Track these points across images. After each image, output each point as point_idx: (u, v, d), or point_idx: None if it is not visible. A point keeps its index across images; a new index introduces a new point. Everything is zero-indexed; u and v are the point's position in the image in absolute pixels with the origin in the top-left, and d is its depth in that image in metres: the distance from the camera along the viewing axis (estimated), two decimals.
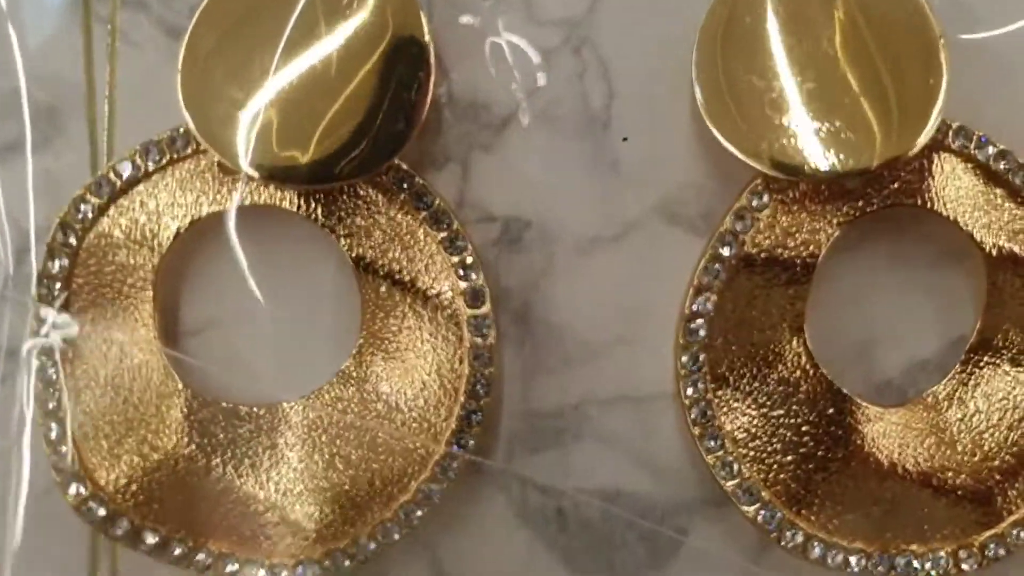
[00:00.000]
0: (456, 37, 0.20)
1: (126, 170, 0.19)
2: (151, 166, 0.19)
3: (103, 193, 0.19)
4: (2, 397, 0.20)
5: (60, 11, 0.20)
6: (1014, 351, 0.20)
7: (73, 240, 0.19)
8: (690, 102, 0.19)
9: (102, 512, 0.19)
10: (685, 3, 0.19)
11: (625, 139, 0.20)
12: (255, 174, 0.18)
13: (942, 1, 0.19)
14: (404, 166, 0.19)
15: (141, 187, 0.19)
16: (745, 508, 0.19)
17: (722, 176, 0.20)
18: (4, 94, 0.19)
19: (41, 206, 0.20)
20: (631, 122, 0.20)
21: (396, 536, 0.19)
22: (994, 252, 0.19)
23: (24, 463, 0.19)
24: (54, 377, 0.19)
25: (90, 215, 0.19)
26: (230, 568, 0.19)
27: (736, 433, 0.19)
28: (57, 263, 0.19)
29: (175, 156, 0.19)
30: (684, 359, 0.19)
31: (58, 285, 0.19)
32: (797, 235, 0.19)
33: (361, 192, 0.19)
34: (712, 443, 0.19)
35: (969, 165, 0.19)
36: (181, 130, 0.19)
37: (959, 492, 0.20)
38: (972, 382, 0.20)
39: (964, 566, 0.19)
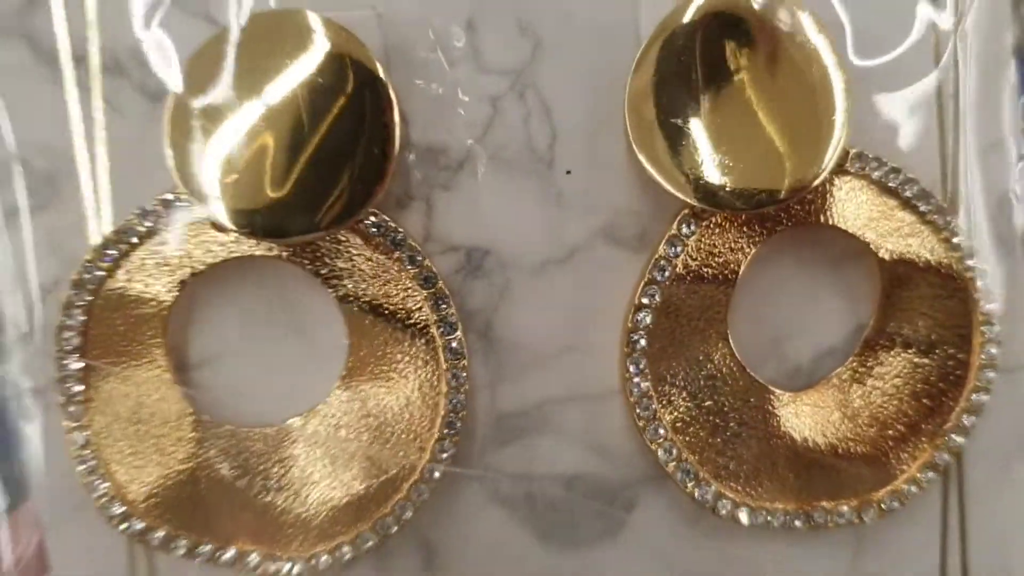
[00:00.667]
0: (414, 90, 0.21)
1: (129, 232, 0.20)
2: (150, 227, 0.20)
3: (110, 256, 0.20)
4: (31, 433, 0.21)
5: (43, 82, 0.20)
6: (905, 337, 0.22)
7: (86, 297, 0.20)
8: (624, 139, 0.21)
9: (138, 525, 0.20)
10: (618, 51, 0.21)
11: (568, 172, 0.21)
12: (238, 230, 0.19)
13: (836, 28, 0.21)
14: (378, 213, 0.20)
15: (144, 248, 0.20)
16: (683, 485, 0.21)
17: (654, 202, 0.21)
18: (2, 163, 0.21)
19: (46, 265, 0.21)
20: (573, 158, 0.21)
21: (393, 529, 0.21)
22: (887, 256, 0.21)
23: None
24: (80, 414, 0.20)
25: (102, 275, 0.20)
26: (253, 563, 0.20)
27: (674, 423, 0.21)
28: (76, 317, 0.20)
29: (169, 218, 0.20)
30: (629, 366, 0.21)
31: (76, 337, 0.20)
32: (720, 255, 0.21)
33: (342, 238, 0.20)
34: (654, 432, 0.21)
35: (865, 183, 0.21)
36: (173, 195, 0.20)
37: (860, 457, 0.22)
38: (870, 364, 0.22)
39: (865, 517, 0.22)
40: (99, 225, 0.20)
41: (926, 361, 0.22)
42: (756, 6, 0.20)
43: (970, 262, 0.21)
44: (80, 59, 0.20)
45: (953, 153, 0.22)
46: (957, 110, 0.22)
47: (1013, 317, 0.22)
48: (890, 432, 0.22)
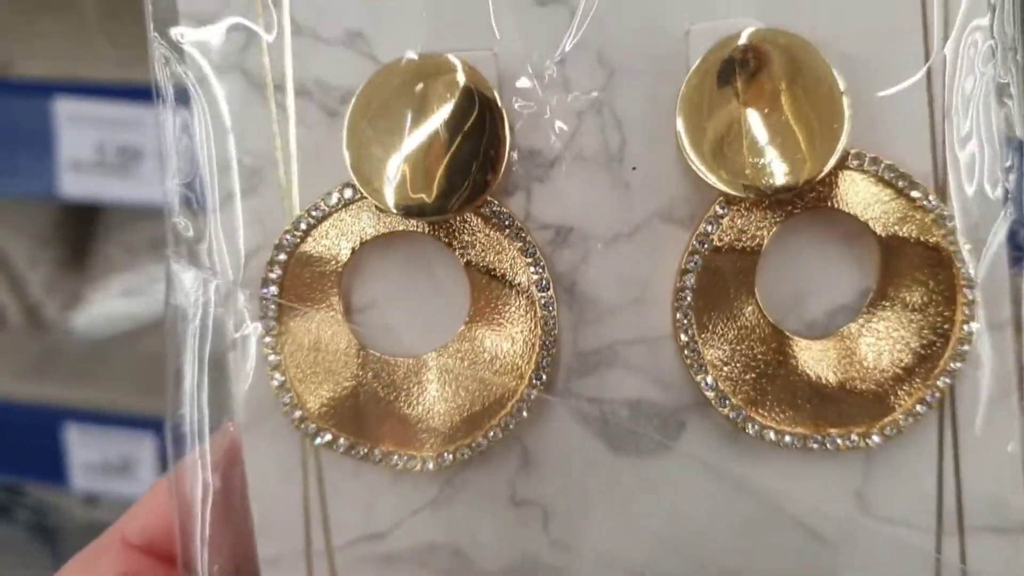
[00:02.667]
0: (519, 108, 0.25)
1: (317, 210, 0.25)
2: (333, 207, 0.25)
3: (303, 225, 0.25)
4: (237, 359, 0.26)
5: (254, 104, 0.25)
6: (902, 298, 0.25)
7: (283, 256, 0.25)
8: (677, 143, 0.24)
9: (312, 427, 0.25)
10: (672, 75, 0.24)
11: (634, 168, 0.25)
12: (397, 211, 0.24)
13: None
14: (492, 200, 0.25)
15: (328, 222, 0.25)
16: (721, 410, 0.25)
17: (697, 191, 0.25)
18: (223, 161, 0.26)
19: (250, 235, 0.26)
20: (637, 157, 0.25)
21: (500, 436, 0.25)
22: (883, 233, 0.25)
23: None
24: (275, 343, 0.25)
25: (296, 240, 0.25)
26: (395, 460, 0.25)
27: (714, 361, 0.25)
28: (276, 271, 0.25)
29: (347, 201, 0.25)
30: (678, 316, 0.25)
31: (274, 288, 0.25)
32: (748, 231, 0.25)
33: (467, 219, 0.25)
34: (698, 368, 0.25)
35: (864, 176, 0.24)
36: (345, 186, 0.25)
37: (865, 393, 0.25)
38: (874, 320, 0.25)
39: (869, 441, 0.25)
40: (291, 207, 0.25)
41: (919, 317, 0.25)
42: (780, 45, 0.24)
43: (952, 238, 0.25)
44: (279, 87, 0.25)
45: (942, 150, 0.25)
46: (946, 116, 0.25)
47: (992, 283, 0.25)
48: (890, 374, 0.25)
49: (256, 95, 0.25)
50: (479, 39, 0.25)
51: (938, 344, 0.25)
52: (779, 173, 0.24)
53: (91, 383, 0.71)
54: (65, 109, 0.54)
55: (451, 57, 0.24)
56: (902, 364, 0.25)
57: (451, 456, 0.25)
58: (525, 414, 0.25)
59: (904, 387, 0.25)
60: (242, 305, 0.26)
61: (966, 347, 0.25)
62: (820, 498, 0.26)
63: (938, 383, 0.25)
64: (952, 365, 0.25)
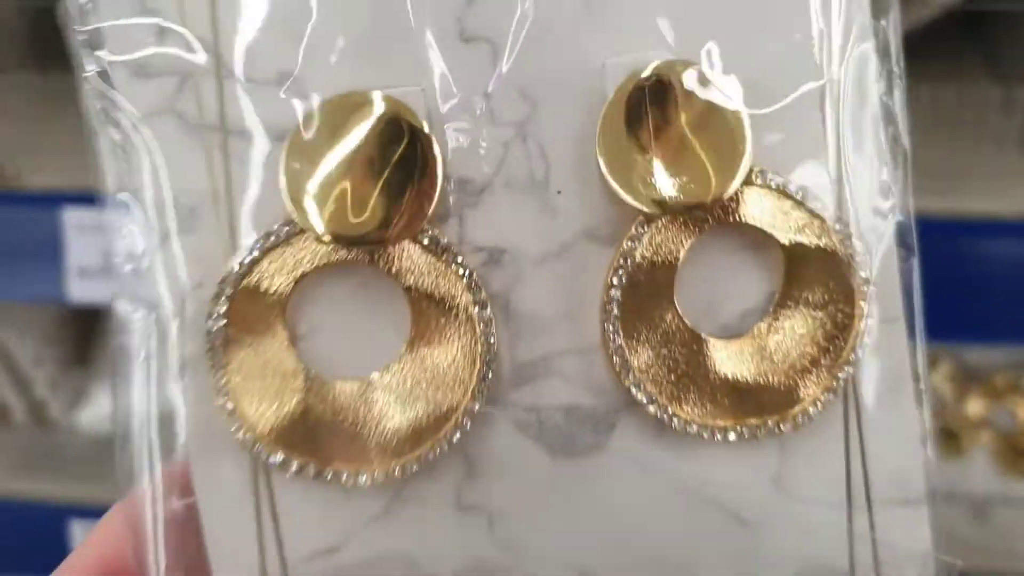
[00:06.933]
0: (449, 141, 0.26)
1: (259, 245, 0.26)
2: (272, 243, 0.26)
3: (246, 259, 0.26)
4: (185, 386, 0.27)
5: (190, 146, 0.26)
6: (805, 298, 0.27)
7: (229, 290, 0.26)
8: (597, 168, 0.26)
9: (263, 450, 0.26)
10: (591, 106, 0.26)
11: (559, 192, 0.27)
12: (335, 242, 0.25)
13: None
14: (427, 227, 0.26)
15: (270, 255, 0.26)
16: (648, 408, 0.27)
17: (619, 211, 0.26)
18: (160, 201, 0.26)
19: (193, 271, 0.26)
20: (562, 182, 0.27)
21: (446, 448, 0.26)
22: (787, 242, 0.27)
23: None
24: (222, 373, 0.26)
25: (241, 273, 0.26)
26: (345, 477, 0.26)
27: (640, 366, 0.27)
28: (222, 304, 0.26)
29: (287, 235, 0.26)
30: (606, 326, 0.26)
31: (222, 321, 0.26)
32: (665, 246, 0.26)
33: (404, 246, 0.26)
34: (626, 373, 0.27)
35: (767, 191, 0.26)
36: (286, 221, 0.25)
37: (777, 386, 0.27)
38: (781, 319, 0.27)
39: (783, 428, 0.27)
40: (232, 243, 0.26)
41: (821, 315, 0.27)
42: (681, 76, 0.26)
43: (849, 243, 0.27)
44: (215, 128, 0.26)
45: (836, 164, 0.27)
46: (840, 134, 0.27)
47: (885, 281, 0.28)
48: (798, 367, 0.27)
49: (191, 137, 0.26)
50: (407, 77, 0.26)
51: (839, 338, 0.27)
52: (690, 192, 0.26)
53: (96, 480, 0.72)
54: (72, 219, 0.58)
55: (377, 92, 0.26)
56: (808, 357, 0.27)
57: (399, 470, 0.26)
58: (468, 427, 0.27)
59: (811, 377, 0.27)
60: (187, 338, 0.26)
61: (865, 339, 0.28)
62: (741, 484, 0.28)
63: (840, 373, 0.27)
64: (853, 356, 0.27)
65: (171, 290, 0.26)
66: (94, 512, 0.69)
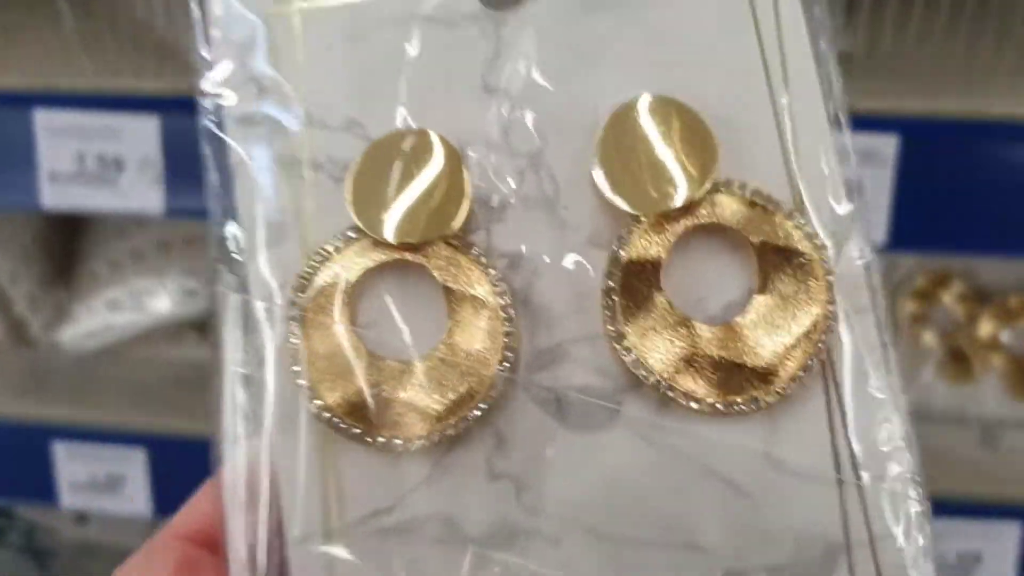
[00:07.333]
0: (476, 168, 0.33)
1: (327, 251, 0.31)
2: (340, 246, 0.31)
3: (319, 259, 0.31)
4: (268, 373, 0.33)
5: (279, 176, 0.33)
6: (779, 291, 0.30)
7: (304, 286, 0.31)
8: (595, 186, 0.31)
9: (333, 418, 0.30)
10: (588, 141, 0.31)
11: (566, 208, 0.31)
12: (394, 242, 0.31)
13: None
14: (461, 235, 0.31)
15: (336, 257, 0.31)
16: (648, 382, 0.30)
17: (614, 221, 0.31)
18: (254, 219, 0.32)
19: (277, 274, 0.32)
20: (568, 200, 0.32)
21: (472, 419, 0.31)
22: (756, 241, 0.30)
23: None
24: (298, 355, 0.32)
25: (312, 274, 0.31)
26: (395, 444, 0.30)
27: (638, 347, 0.30)
28: (299, 298, 0.31)
29: (351, 240, 0.31)
30: (607, 315, 0.31)
31: (298, 311, 0.31)
32: (651, 246, 0.31)
33: (444, 250, 0.31)
34: (628, 356, 0.30)
35: (736, 198, 0.31)
36: (349, 231, 0.31)
37: (758, 367, 0.31)
38: (757, 308, 0.31)
39: (768, 401, 0.30)
40: (308, 251, 0.32)
41: (793, 305, 0.30)
42: (661, 104, 0.32)
43: (816, 241, 0.31)
44: (299, 162, 0.33)
45: (795, 173, 0.32)
46: (794, 146, 0.32)
47: (850, 275, 0.32)
48: (775, 350, 0.30)
49: (281, 169, 0.33)
50: (446, 120, 0.32)
51: (810, 327, 0.31)
52: (670, 197, 0.31)
53: (78, 400, 0.70)
54: (44, 120, 0.55)
55: (420, 128, 0.33)
56: (784, 339, 0.31)
57: (438, 435, 0.31)
58: (497, 404, 0.31)
59: (788, 359, 0.31)
60: (274, 325, 0.33)
61: (834, 328, 0.31)
62: (736, 457, 0.31)
63: (814, 352, 0.31)
64: (824, 336, 0.31)
65: (261, 289, 0.32)
66: (77, 433, 0.67)
